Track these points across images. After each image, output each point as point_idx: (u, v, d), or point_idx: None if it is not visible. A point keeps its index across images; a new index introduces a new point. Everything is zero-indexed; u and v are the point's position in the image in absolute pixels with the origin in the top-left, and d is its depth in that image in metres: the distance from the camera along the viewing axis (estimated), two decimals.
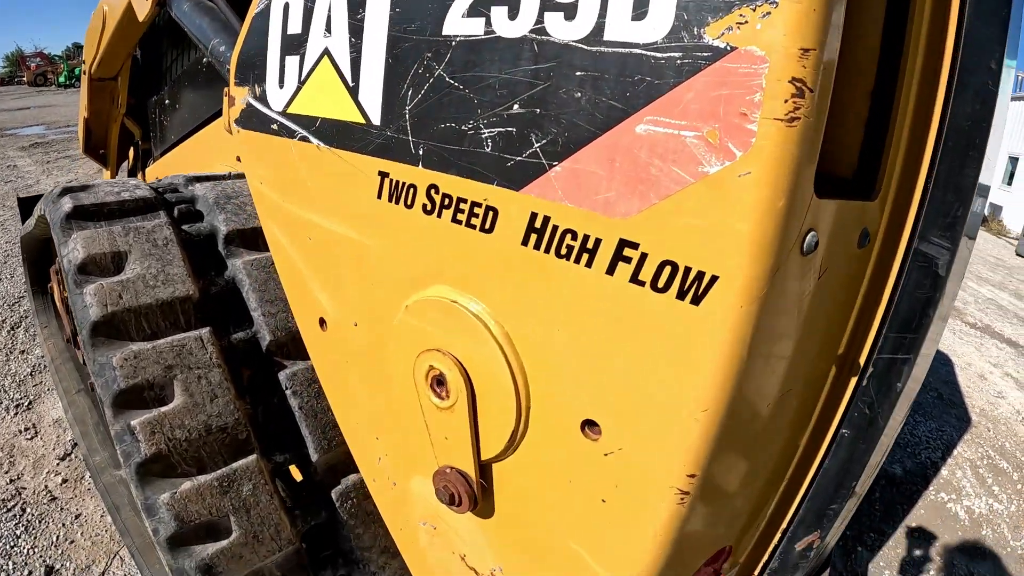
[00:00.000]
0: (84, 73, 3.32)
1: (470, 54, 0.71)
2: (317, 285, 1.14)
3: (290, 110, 1.06)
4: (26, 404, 3.04)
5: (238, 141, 1.36)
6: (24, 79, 29.71)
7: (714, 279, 0.58)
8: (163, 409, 1.25)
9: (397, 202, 0.87)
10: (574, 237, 0.67)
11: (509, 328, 0.76)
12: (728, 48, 0.48)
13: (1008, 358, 5.61)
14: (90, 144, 3.91)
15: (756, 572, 1.10)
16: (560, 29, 0.61)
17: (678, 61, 0.52)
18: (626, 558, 0.75)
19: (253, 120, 1.22)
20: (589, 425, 0.72)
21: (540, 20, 0.63)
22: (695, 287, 0.60)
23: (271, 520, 1.28)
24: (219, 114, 2.14)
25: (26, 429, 2.87)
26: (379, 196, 0.90)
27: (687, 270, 0.60)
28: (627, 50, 0.56)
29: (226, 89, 1.36)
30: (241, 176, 1.81)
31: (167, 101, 2.96)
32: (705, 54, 0.50)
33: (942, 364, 5.16)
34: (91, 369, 1.30)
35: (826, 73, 0.49)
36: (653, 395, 0.65)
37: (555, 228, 0.68)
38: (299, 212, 1.14)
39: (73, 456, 2.71)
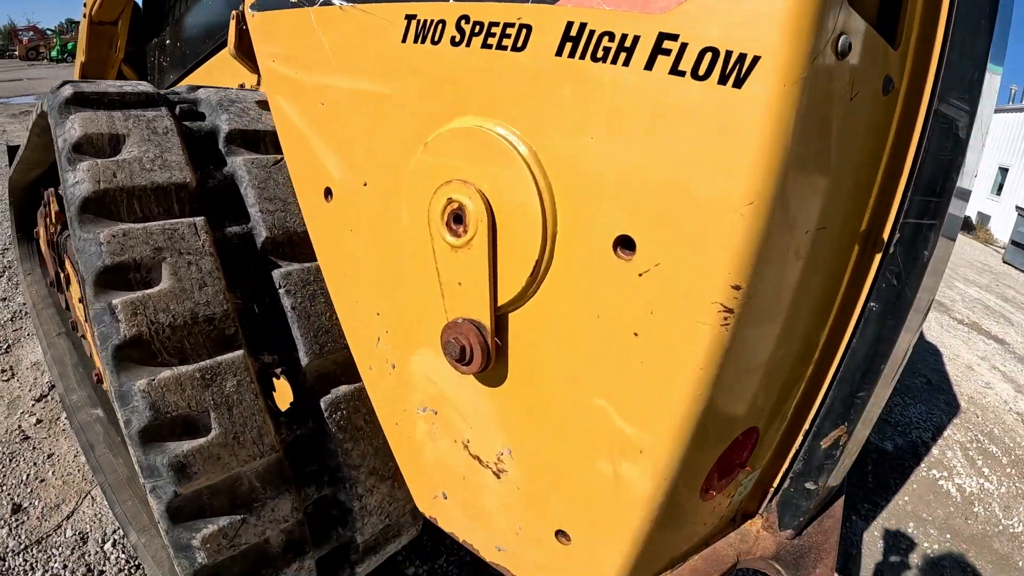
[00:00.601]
0: (84, 16, 3.27)
1: None
2: (326, 152, 1.10)
3: None
4: (4, 348, 2.97)
5: (253, 26, 1.34)
6: (16, 53, 29.63)
7: (756, 59, 0.56)
8: (148, 291, 1.19)
9: (424, 41, 0.83)
10: (611, 38, 0.64)
11: (538, 147, 0.72)
12: None
13: (995, 353, 5.82)
14: None
15: (776, 480, 1.06)
16: None
17: None
18: (658, 406, 0.69)
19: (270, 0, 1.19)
20: (622, 244, 0.67)
21: None
22: (737, 69, 0.57)
23: (254, 422, 1.21)
24: (220, 47, 2.11)
25: (3, 372, 2.79)
26: (404, 40, 0.86)
27: (728, 54, 0.58)
28: None
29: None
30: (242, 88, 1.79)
31: (167, 42, 2.92)
32: None
33: (931, 354, 5.34)
34: (75, 247, 1.23)
35: None
36: (694, 194, 0.61)
37: (591, 32, 0.65)
38: (313, 79, 1.11)
39: (49, 398, 2.63)
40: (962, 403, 4.39)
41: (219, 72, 2.22)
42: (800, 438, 1.00)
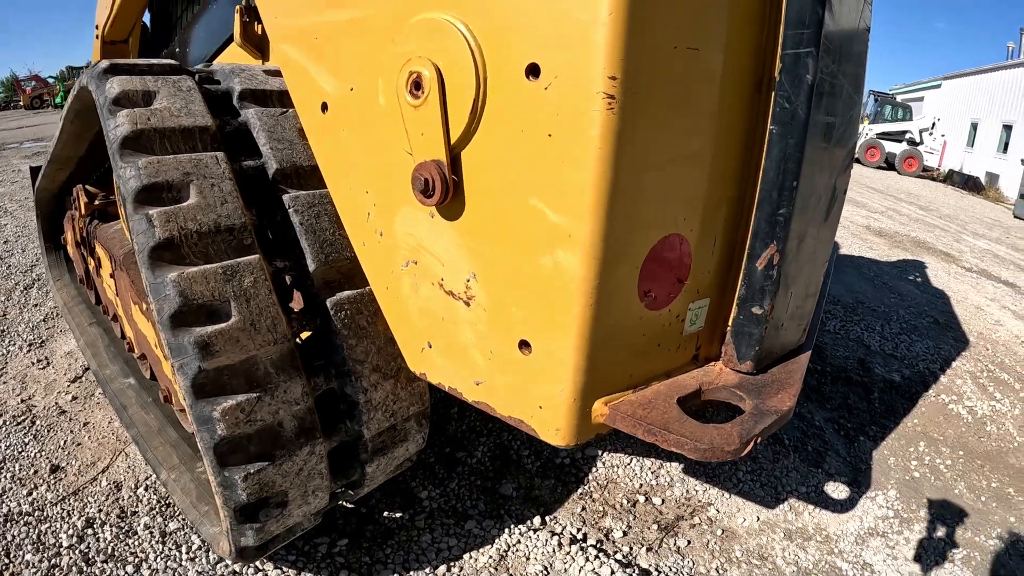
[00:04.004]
0: (96, 37, 3.79)
1: None
2: (321, 74, 1.40)
3: None
4: (39, 343, 3.36)
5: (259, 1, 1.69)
6: (20, 103, 32.31)
7: None
8: (179, 205, 1.50)
9: None
10: None
11: (469, 20, 0.99)
12: None
13: (1005, 295, 5.86)
14: None
15: (731, 315, 1.26)
16: None
17: None
18: (574, 192, 0.92)
19: None
20: (531, 71, 0.93)
21: None
22: None
23: (268, 313, 1.48)
24: (225, 46, 2.51)
25: (39, 361, 3.17)
26: None
27: None
28: None
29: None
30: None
31: (176, 50, 3.38)
32: None
33: (937, 297, 5.40)
34: (119, 177, 1.55)
35: None
36: (574, 17, 0.85)
37: None
38: (307, 21, 1.43)
39: (84, 379, 2.98)
40: (971, 339, 4.47)
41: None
42: (737, 266, 1.20)
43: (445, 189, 1.06)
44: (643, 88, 0.88)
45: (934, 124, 21.10)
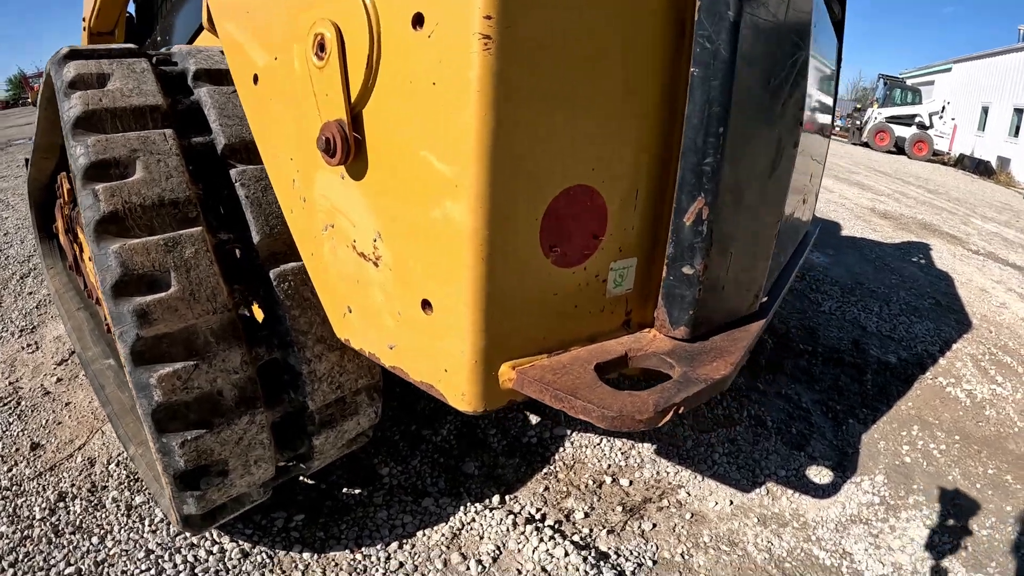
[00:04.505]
0: (84, 30, 3.90)
1: None
2: (252, 47, 1.41)
3: None
4: (30, 329, 3.47)
5: None
6: (29, 100, 33.27)
7: None
8: (124, 180, 1.54)
9: None
10: None
11: None
12: None
13: (1012, 277, 5.69)
14: None
15: (660, 283, 1.23)
16: None
17: None
18: (459, 138, 0.91)
19: None
20: (417, 21, 0.92)
21: None
22: None
23: (208, 283, 1.50)
24: (197, 34, 2.55)
25: (28, 346, 3.28)
26: None
27: None
28: None
29: None
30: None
31: (159, 38, 3.46)
32: None
33: (940, 279, 5.26)
34: (69, 154, 1.60)
35: None
36: None
37: None
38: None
39: (70, 361, 3.07)
40: (974, 321, 4.35)
41: None
42: (666, 222, 1.18)
43: (347, 148, 1.06)
44: (524, 27, 0.87)
45: (944, 108, 20.95)
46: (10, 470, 2.29)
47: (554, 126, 0.97)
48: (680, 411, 1.00)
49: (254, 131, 1.51)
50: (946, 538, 2.20)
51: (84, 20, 3.76)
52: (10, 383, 2.90)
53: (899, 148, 20.25)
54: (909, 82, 23.51)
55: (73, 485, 2.18)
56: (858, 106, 26.24)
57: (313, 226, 1.31)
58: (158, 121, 1.70)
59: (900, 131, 20.27)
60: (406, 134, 0.99)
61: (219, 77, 1.83)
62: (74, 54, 1.77)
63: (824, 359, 3.46)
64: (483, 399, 1.07)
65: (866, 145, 20.97)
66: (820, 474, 2.47)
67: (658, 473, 2.38)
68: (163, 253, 1.48)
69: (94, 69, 1.71)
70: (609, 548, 2.01)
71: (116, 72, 1.74)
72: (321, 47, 1.08)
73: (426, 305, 1.07)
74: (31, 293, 3.97)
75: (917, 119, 20.49)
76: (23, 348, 3.24)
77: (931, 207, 9.64)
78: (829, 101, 2.67)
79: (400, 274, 1.09)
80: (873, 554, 2.08)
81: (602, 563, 1.92)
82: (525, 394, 1.07)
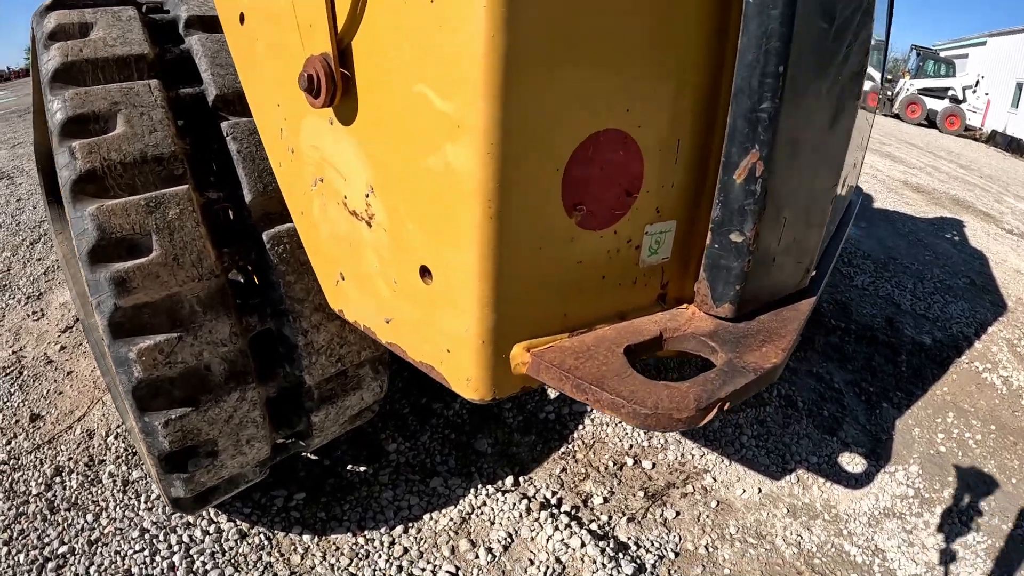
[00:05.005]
0: None
1: None
2: None
3: None
4: (37, 295, 3.42)
5: None
6: None
7: None
8: (104, 136, 1.39)
9: None
10: None
11: None
12: None
13: None
14: None
15: (704, 246, 1.06)
16: None
17: None
18: (462, 69, 0.74)
19: None
20: None
21: None
22: None
23: (194, 247, 1.36)
24: None
25: (34, 313, 3.22)
26: None
27: None
28: None
29: None
30: None
31: None
32: None
33: (975, 258, 5.08)
34: (46, 108, 1.47)
35: None
36: None
37: None
38: None
39: (74, 329, 3.00)
40: (1009, 303, 4.15)
41: None
42: (712, 179, 1.00)
43: (332, 86, 0.89)
44: None
45: (977, 82, 20.27)
46: (8, 443, 2.23)
47: (580, 54, 0.79)
48: (726, 407, 0.84)
49: (241, 77, 1.35)
50: (980, 535, 2.06)
51: None
52: (13, 352, 2.85)
53: (930, 121, 19.75)
54: (942, 54, 22.72)
55: (70, 459, 2.11)
56: (889, 77, 25.45)
57: (302, 181, 1.16)
58: (144, 72, 1.56)
59: (932, 104, 19.72)
60: (400, 66, 0.82)
61: (213, 24, 1.67)
62: (57, 3, 1.63)
63: (857, 337, 3.27)
64: (491, 386, 0.92)
65: (896, 117, 20.37)
66: (853, 462, 2.32)
67: (683, 455, 2.24)
68: (144, 214, 1.35)
69: (76, 19, 1.58)
70: (629, 538, 1.89)
71: (100, 21, 1.61)
72: None
73: (425, 273, 0.91)
74: (39, 259, 3.92)
75: (950, 92, 19.90)
76: (29, 315, 3.19)
77: (963, 183, 9.28)
78: (878, 70, 2.44)
79: (395, 235, 0.93)
80: (906, 552, 1.95)
81: (621, 555, 1.80)
82: (541, 381, 0.92)
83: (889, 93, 21.30)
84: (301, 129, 1.08)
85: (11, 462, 2.12)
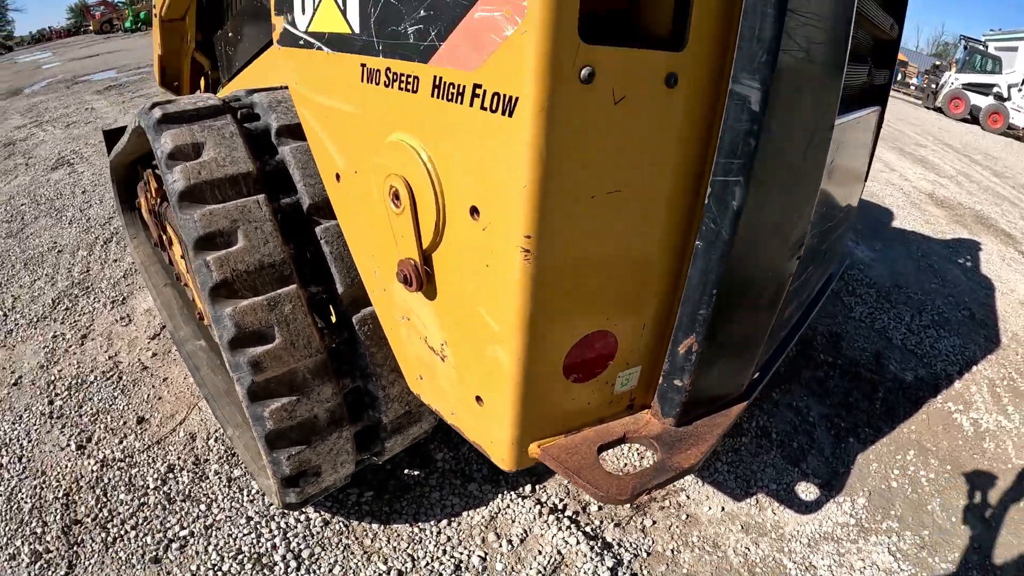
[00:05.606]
0: (155, 16, 4.27)
1: None
2: (333, 148, 1.83)
3: (310, 29, 1.74)
4: (120, 300, 4.15)
5: (281, 59, 2.09)
6: (90, 28, 34.20)
7: (516, 98, 1.11)
8: (229, 249, 2.02)
9: (370, 82, 1.51)
10: (454, 86, 1.24)
11: (430, 152, 1.38)
12: None
13: None
14: (165, 79, 4.94)
15: (658, 381, 1.67)
16: None
17: None
18: (505, 309, 1.35)
19: (288, 39, 1.92)
20: (473, 211, 1.33)
21: None
22: (509, 105, 1.13)
23: (304, 333, 2.01)
24: (268, 46, 2.90)
25: (121, 319, 3.96)
26: (361, 80, 1.54)
27: (505, 95, 1.13)
28: None
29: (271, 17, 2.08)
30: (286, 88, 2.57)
31: (230, 35, 3.81)
32: None
33: (982, 287, 5.37)
34: (179, 223, 2.07)
35: None
36: (498, 179, 1.21)
37: (445, 84, 1.26)
38: (318, 99, 1.83)
39: (161, 336, 3.74)
40: (1004, 339, 4.49)
41: (269, 68, 3.03)
42: (667, 343, 1.60)
43: (420, 282, 1.51)
44: (556, 247, 1.26)
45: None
46: (120, 442, 2.96)
47: (576, 304, 1.38)
48: (651, 494, 1.49)
49: (337, 213, 1.95)
50: (906, 566, 2.57)
51: (155, 7, 4.14)
52: (109, 357, 3.59)
53: (973, 117, 19.70)
54: (992, 46, 22.00)
55: (179, 458, 2.85)
56: (937, 63, 25.00)
57: (392, 312, 1.79)
58: (250, 187, 2.08)
59: (976, 99, 19.68)
60: (467, 288, 1.42)
61: (300, 133, 2.24)
62: (166, 119, 2.07)
63: (842, 372, 3.82)
64: (516, 463, 1.57)
65: (939, 110, 20.15)
66: (808, 490, 2.93)
67: None
68: (267, 312, 1.98)
69: (188, 139, 2.02)
70: (613, 539, 2.58)
71: (208, 140, 2.05)
72: (396, 197, 1.49)
73: (479, 399, 1.55)
74: (116, 260, 4.63)
75: (995, 89, 19.53)
76: (116, 321, 3.92)
77: (993, 195, 9.33)
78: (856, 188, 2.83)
79: (461, 374, 1.57)
80: (835, 571, 2.53)
81: (605, 552, 2.49)
82: (546, 463, 1.57)
83: (934, 84, 20.88)
84: (391, 282, 1.71)
85: (126, 459, 2.84)
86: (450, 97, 1.26)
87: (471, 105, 1.21)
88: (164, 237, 3.68)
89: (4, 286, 4.39)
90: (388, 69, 1.42)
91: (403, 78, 1.38)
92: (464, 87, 1.22)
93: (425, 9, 1.27)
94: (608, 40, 1.13)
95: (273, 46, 2.23)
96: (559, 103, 1.12)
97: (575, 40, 1.09)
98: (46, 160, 7.23)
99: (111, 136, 4.67)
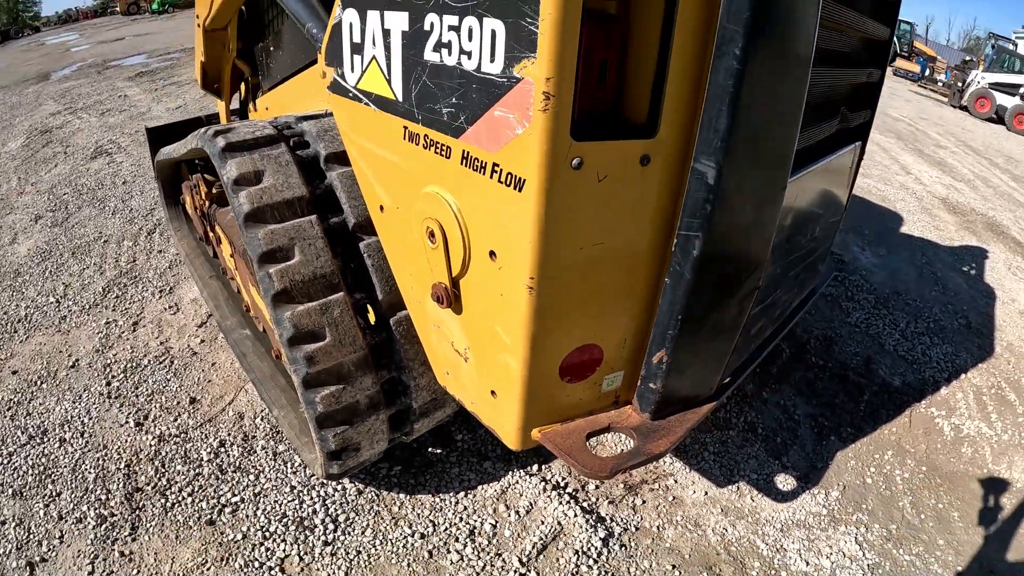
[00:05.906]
0: (198, 27, 4.71)
1: (436, 70, 1.75)
2: (378, 186, 2.29)
3: (358, 86, 2.18)
4: (168, 290, 4.68)
5: (331, 101, 2.53)
6: (117, 9, 34.99)
7: (523, 180, 1.55)
8: (288, 263, 2.50)
9: (411, 142, 1.95)
10: (478, 161, 1.68)
11: (459, 204, 1.83)
12: (522, 77, 1.49)
13: None
14: (207, 82, 5.41)
15: (638, 383, 2.13)
16: (466, 63, 1.64)
17: (507, 81, 1.53)
18: (515, 327, 1.80)
19: (338, 89, 2.36)
20: (491, 254, 1.78)
21: (459, 59, 1.67)
22: (518, 184, 1.58)
23: (350, 332, 2.49)
24: (313, 63, 3.32)
25: (170, 307, 4.49)
26: (403, 139, 1.99)
27: (516, 176, 1.59)
28: (490, 76, 1.58)
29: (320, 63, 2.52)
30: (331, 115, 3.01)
31: (271, 48, 4.25)
32: (516, 78, 1.51)
33: (983, 296, 5.47)
34: (245, 240, 2.54)
35: (564, 86, 1.48)
36: (510, 234, 1.65)
37: (472, 157, 1.69)
38: (366, 144, 2.29)
39: (208, 324, 4.26)
40: (997, 348, 4.62)
41: (310, 85, 3.47)
42: (644, 352, 2.05)
43: (449, 301, 1.97)
44: (554, 282, 1.71)
45: None
46: (175, 420, 3.48)
47: (569, 324, 1.82)
48: (627, 472, 1.95)
49: (382, 239, 2.42)
50: (870, 556, 2.82)
51: (198, 18, 4.59)
52: (161, 343, 4.11)
53: (999, 117, 19.70)
54: (1021, 45, 21.95)
55: (229, 435, 3.37)
56: (967, 58, 24.97)
57: (426, 319, 2.26)
58: (304, 208, 2.56)
59: (1002, 99, 19.63)
60: (487, 308, 1.88)
61: (345, 159, 2.69)
62: (229, 147, 2.53)
63: (831, 374, 4.18)
64: (521, 444, 2.03)
65: (964, 109, 20.27)
66: (786, 482, 3.35)
67: (659, 461, 3.37)
68: (320, 315, 2.46)
69: (250, 167, 2.44)
70: (607, 514, 3.05)
71: (268, 168, 2.49)
72: (432, 235, 1.95)
73: (493, 393, 2.02)
74: (160, 251, 5.16)
75: (1021, 90, 19.40)
76: (165, 309, 4.45)
77: (1009, 201, 9.34)
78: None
79: (480, 373, 2.03)
80: (803, 555, 2.90)
81: (599, 524, 2.96)
82: (545, 445, 2.04)
83: (960, 83, 20.82)
84: (425, 297, 2.17)
85: (181, 435, 3.34)
86: (475, 168, 1.71)
87: (491, 177, 1.66)
88: (212, 235, 4.20)
89: (55, 274, 4.92)
90: (426, 136, 1.87)
91: (438, 145, 1.82)
92: (486, 163, 1.66)
93: (456, 98, 1.71)
94: (594, 135, 1.57)
95: (321, 81, 2.67)
96: (555, 184, 1.55)
97: (568, 140, 1.51)
98: (84, 149, 7.76)
99: (154, 133, 5.19)
